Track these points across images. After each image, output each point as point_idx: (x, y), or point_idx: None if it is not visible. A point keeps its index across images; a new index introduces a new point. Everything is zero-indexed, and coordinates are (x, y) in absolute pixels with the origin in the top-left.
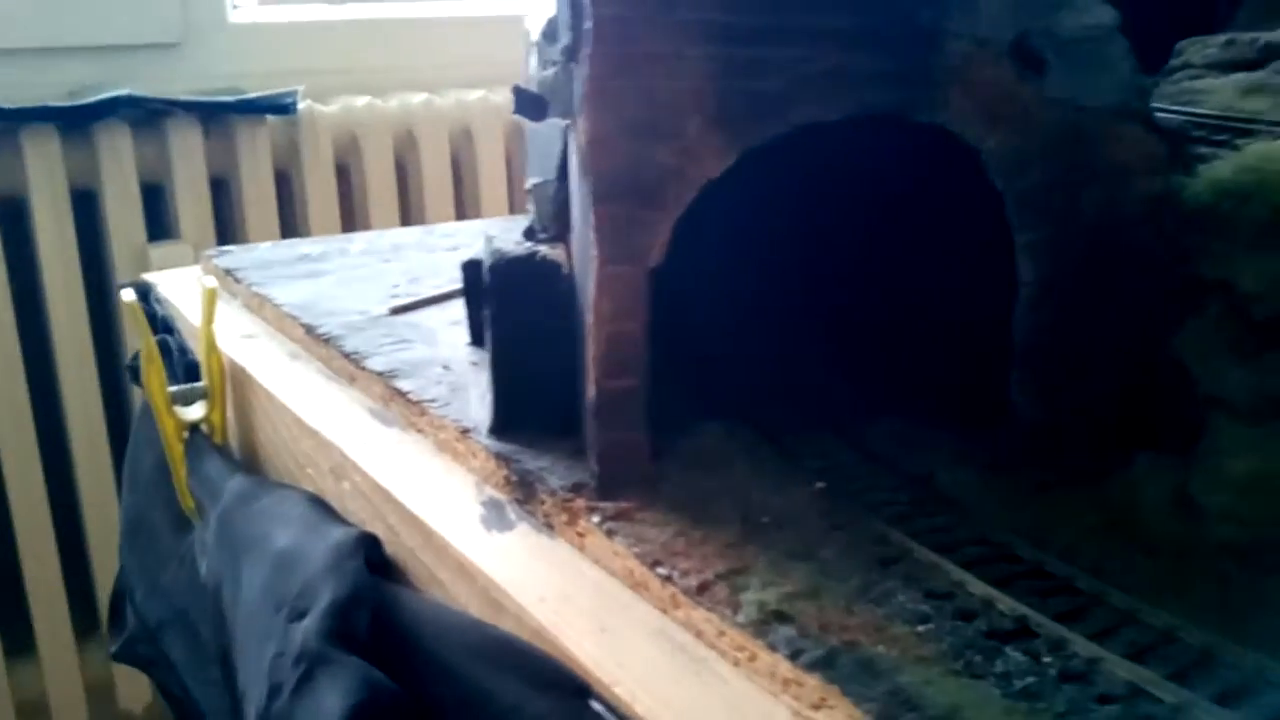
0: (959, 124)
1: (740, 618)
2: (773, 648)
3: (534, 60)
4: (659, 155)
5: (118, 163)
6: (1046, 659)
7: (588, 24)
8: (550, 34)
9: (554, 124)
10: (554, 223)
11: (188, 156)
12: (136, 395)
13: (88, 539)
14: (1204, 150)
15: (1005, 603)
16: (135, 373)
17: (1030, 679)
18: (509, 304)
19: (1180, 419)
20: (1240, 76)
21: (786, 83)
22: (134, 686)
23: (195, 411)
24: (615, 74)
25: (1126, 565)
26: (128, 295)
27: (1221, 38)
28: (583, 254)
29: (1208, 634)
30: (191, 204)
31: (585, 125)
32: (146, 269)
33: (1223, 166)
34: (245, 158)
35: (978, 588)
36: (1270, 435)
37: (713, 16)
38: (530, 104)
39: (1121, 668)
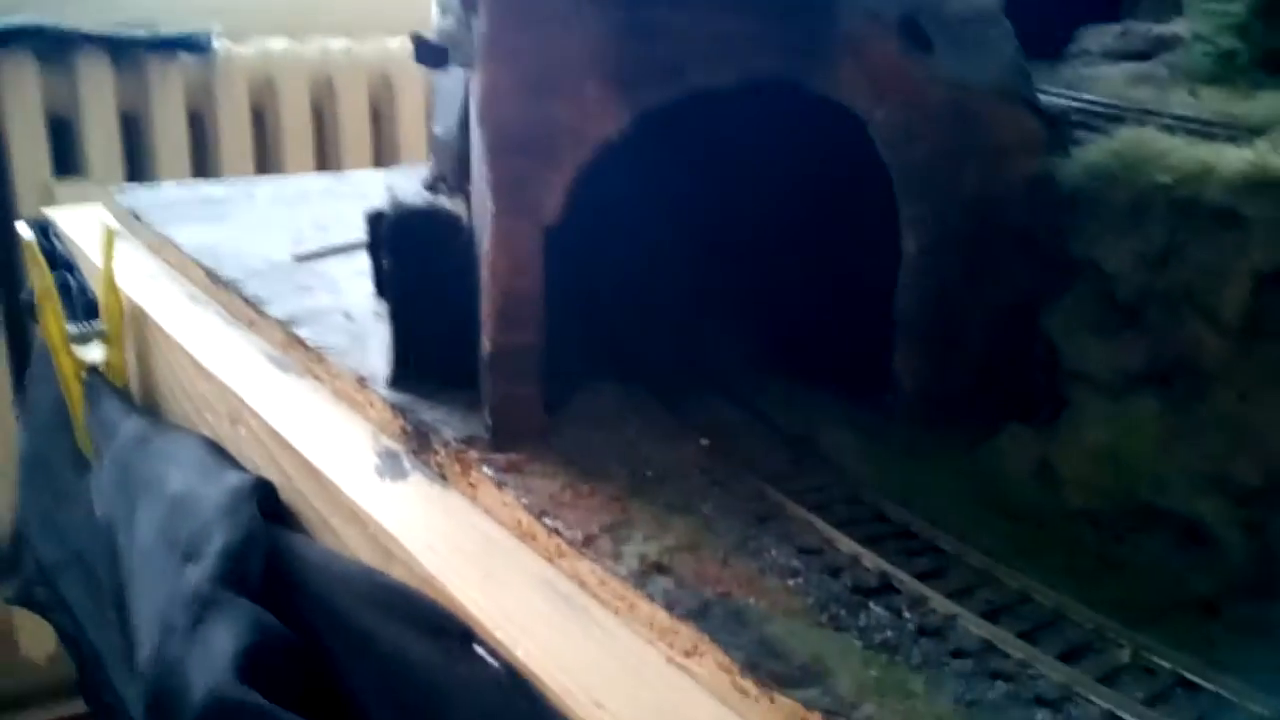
0: (848, 96)
1: (621, 569)
2: (650, 598)
3: (435, 7)
4: (556, 112)
5: (21, 95)
6: (906, 614)
7: None
8: None
9: (457, 74)
10: (454, 174)
11: (97, 92)
12: (38, 333)
13: None
14: (1081, 134)
15: (871, 560)
16: (31, 308)
17: (890, 633)
18: (407, 255)
19: (1048, 392)
20: (1130, 66)
21: (680, 47)
22: (36, 635)
23: (95, 353)
24: (513, 29)
25: (988, 529)
26: (25, 231)
27: (1118, 27)
28: (480, 208)
29: (1059, 595)
30: (100, 141)
31: (482, 78)
32: (52, 205)
33: (1094, 149)
34: (157, 95)
35: (846, 545)
36: (1125, 409)
37: None
38: (430, 52)
39: (976, 625)
